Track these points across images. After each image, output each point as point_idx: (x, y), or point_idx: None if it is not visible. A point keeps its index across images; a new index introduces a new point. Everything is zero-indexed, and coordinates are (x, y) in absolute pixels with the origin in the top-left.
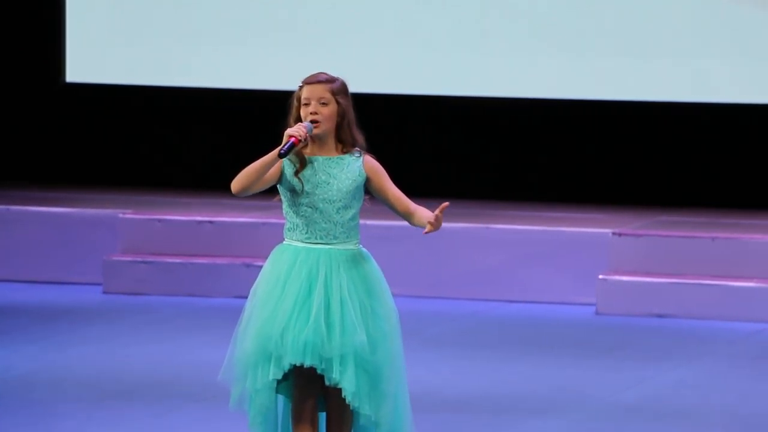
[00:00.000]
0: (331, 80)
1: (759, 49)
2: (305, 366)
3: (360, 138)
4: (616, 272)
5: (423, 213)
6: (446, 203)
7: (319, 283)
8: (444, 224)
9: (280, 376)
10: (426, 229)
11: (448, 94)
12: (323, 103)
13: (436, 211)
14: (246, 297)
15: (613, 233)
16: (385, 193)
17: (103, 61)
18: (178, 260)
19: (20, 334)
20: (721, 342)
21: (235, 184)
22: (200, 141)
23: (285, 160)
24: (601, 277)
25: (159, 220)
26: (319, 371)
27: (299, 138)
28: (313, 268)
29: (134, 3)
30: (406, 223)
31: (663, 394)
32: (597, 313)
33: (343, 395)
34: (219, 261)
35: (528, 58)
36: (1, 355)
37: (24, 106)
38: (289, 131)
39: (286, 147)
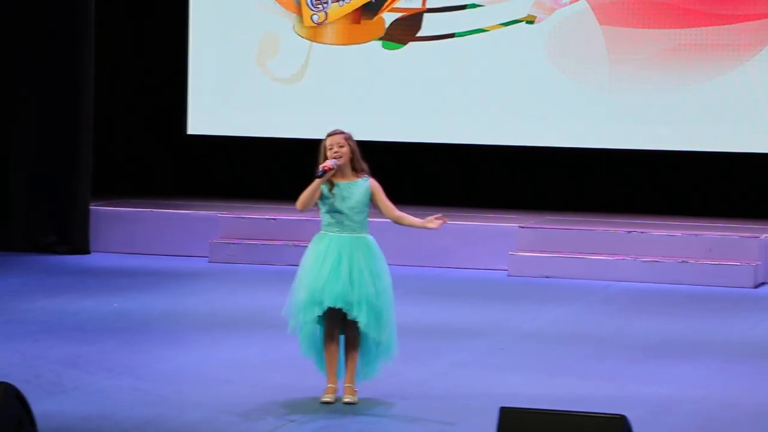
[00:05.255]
0: (343, 132)
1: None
2: (335, 307)
3: (365, 166)
4: (521, 250)
5: (411, 219)
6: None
7: (345, 257)
8: None
9: (321, 314)
10: (434, 226)
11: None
12: (341, 146)
13: (435, 223)
14: (296, 265)
15: (519, 226)
16: (380, 205)
17: (211, 120)
18: (255, 242)
19: (157, 287)
20: (584, 293)
21: (300, 205)
22: (266, 170)
23: (323, 186)
24: (511, 253)
25: (243, 218)
26: (344, 311)
27: (329, 167)
28: (342, 248)
29: (237, 80)
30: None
31: (551, 325)
32: (509, 275)
33: (358, 325)
34: (279, 243)
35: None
36: (144, 299)
37: (161, 148)
38: (323, 164)
39: (321, 172)
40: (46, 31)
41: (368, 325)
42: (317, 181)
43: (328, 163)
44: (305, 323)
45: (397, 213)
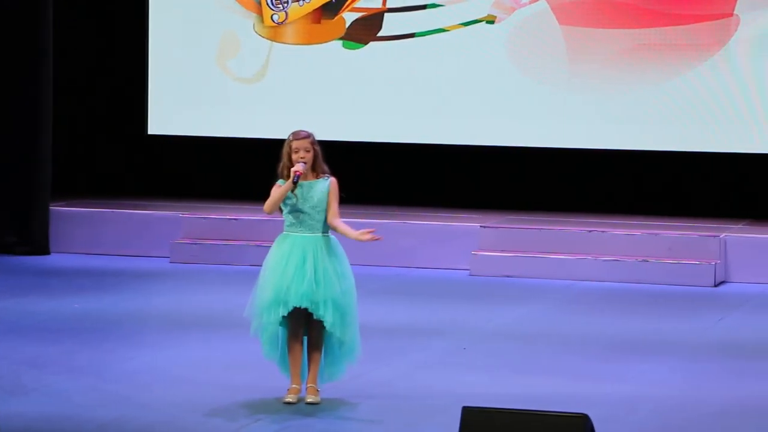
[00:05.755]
0: (308, 136)
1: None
2: (301, 307)
3: (326, 167)
4: (483, 250)
5: (347, 228)
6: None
7: (309, 256)
8: (378, 220)
9: (285, 314)
10: (366, 239)
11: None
12: (307, 150)
13: (367, 236)
14: (258, 266)
15: (481, 226)
16: (328, 206)
17: (172, 119)
18: (216, 242)
19: (122, 288)
20: (546, 292)
21: (268, 209)
22: (228, 170)
23: (284, 185)
24: (473, 252)
25: (204, 218)
26: (310, 311)
27: (301, 172)
28: (305, 248)
29: (197, 79)
30: (358, 220)
31: (513, 324)
32: (470, 275)
33: (322, 326)
34: (240, 243)
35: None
36: (111, 300)
37: (122, 148)
38: (294, 169)
39: (296, 178)
40: (3, 29)
41: (333, 324)
42: (288, 185)
43: (298, 168)
44: (269, 324)
45: (337, 220)
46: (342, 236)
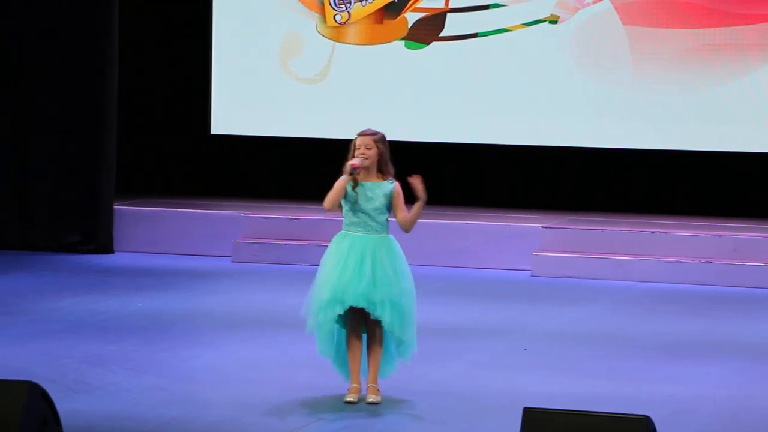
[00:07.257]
0: (374, 134)
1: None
2: (358, 307)
3: (392, 170)
4: (544, 250)
5: (415, 210)
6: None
7: (368, 256)
8: (436, 221)
9: (342, 313)
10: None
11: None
12: (368, 148)
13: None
14: (317, 265)
15: (543, 227)
16: (396, 209)
17: (234, 119)
18: (277, 242)
19: (181, 286)
20: (608, 293)
21: (327, 204)
22: (289, 170)
23: (347, 184)
24: (534, 253)
25: (265, 218)
26: (367, 310)
27: (355, 165)
28: (365, 248)
29: (260, 79)
30: (420, 219)
31: (574, 325)
32: (532, 275)
33: (382, 324)
34: (300, 242)
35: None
36: (168, 298)
37: (185, 148)
38: (351, 162)
39: (353, 171)
40: (71, 31)
41: (392, 324)
42: (344, 178)
43: (356, 161)
44: (325, 322)
45: (407, 222)
46: (403, 235)
